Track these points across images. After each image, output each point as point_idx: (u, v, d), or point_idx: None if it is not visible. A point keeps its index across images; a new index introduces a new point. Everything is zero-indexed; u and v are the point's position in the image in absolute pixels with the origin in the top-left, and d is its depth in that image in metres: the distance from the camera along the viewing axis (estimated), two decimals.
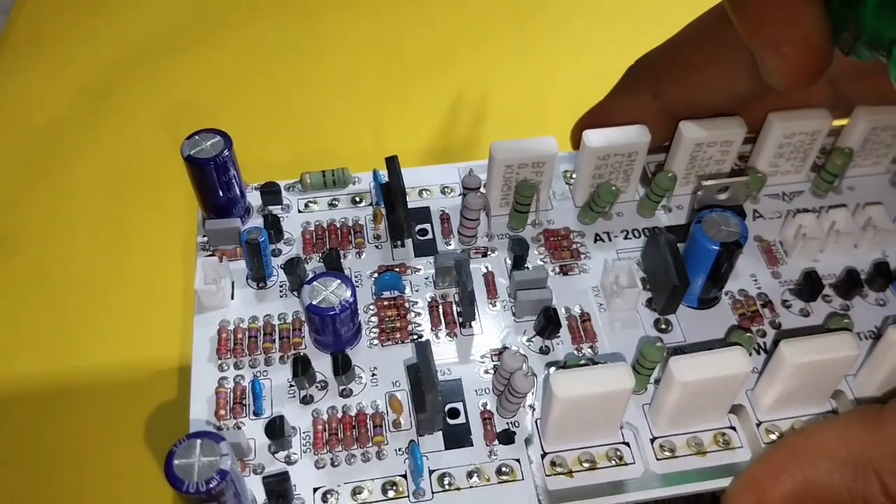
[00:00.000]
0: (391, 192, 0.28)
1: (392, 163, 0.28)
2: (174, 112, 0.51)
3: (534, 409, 0.25)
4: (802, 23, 0.24)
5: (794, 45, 0.24)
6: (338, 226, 0.30)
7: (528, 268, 0.28)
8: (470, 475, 0.24)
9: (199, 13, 0.57)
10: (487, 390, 0.26)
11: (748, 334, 0.26)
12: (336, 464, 0.24)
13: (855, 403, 0.25)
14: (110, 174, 0.48)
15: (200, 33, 0.56)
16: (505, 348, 0.27)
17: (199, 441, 0.21)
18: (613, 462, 0.24)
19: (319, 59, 0.55)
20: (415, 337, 0.27)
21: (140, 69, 0.54)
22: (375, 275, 0.28)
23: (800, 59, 0.24)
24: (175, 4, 0.58)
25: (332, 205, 0.30)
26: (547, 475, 0.24)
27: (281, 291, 0.28)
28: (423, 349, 0.24)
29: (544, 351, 0.27)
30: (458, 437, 0.25)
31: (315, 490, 0.24)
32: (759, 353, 0.27)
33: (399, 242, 0.29)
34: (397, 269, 0.28)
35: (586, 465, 0.24)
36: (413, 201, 0.30)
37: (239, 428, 0.25)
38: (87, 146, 0.49)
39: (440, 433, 0.25)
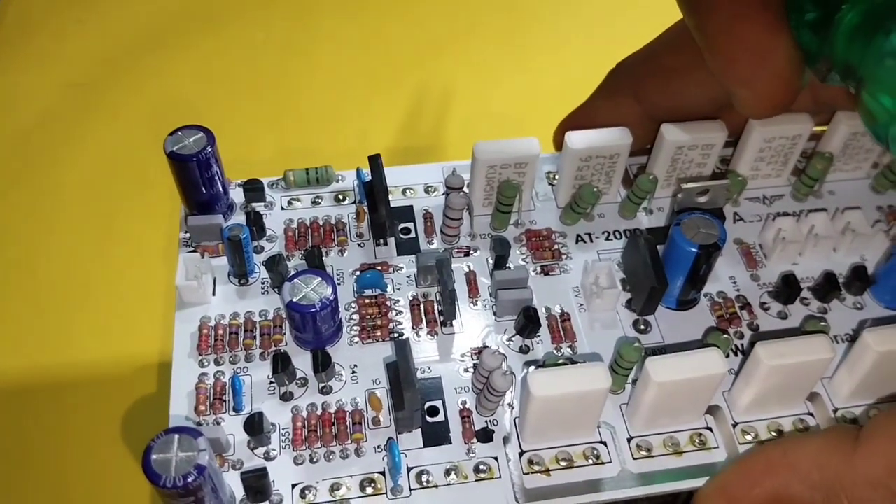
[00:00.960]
0: (374, 190, 0.28)
1: (375, 161, 0.29)
2: (161, 108, 0.51)
3: (512, 408, 0.25)
4: (772, 58, 0.24)
5: (764, 79, 0.25)
6: (321, 223, 0.30)
7: (509, 267, 0.28)
8: (448, 473, 0.24)
9: (188, 10, 0.57)
10: (467, 389, 0.26)
11: (724, 336, 0.26)
12: (315, 460, 0.24)
13: (831, 406, 0.26)
14: (97, 170, 0.48)
15: (189, 30, 0.56)
16: (485, 347, 0.27)
17: (176, 436, 0.21)
18: (590, 461, 0.24)
19: (307, 57, 0.55)
20: (395, 335, 0.27)
21: (128, 66, 0.54)
22: (357, 273, 0.28)
23: (770, 91, 0.25)
24: (164, 1, 0.58)
25: (315, 202, 0.30)
26: (524, 473, 0.24)
27: (262, 288, 0.28)
28: (402, 347, 0.24)
29: (524, 350, 0.27)
30: (436, 435, 0.25)
31: (293, 486, 0.24)
32: (736, 354, 0.27)
33: (381, 241, 0.29)
34: (379, 268, 0.29)
35: (563, 463, 0.24)
36: (396, 200, 0.30)
37: (218, 423, 0.25)
38: (74, 142, 0.49)
39: (419, 431, 0.25)
